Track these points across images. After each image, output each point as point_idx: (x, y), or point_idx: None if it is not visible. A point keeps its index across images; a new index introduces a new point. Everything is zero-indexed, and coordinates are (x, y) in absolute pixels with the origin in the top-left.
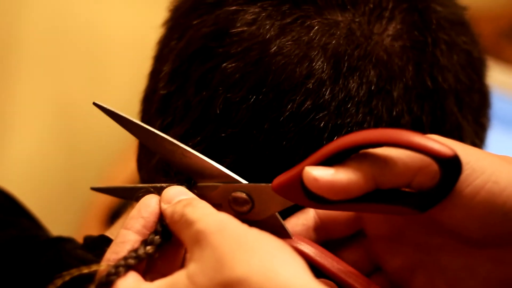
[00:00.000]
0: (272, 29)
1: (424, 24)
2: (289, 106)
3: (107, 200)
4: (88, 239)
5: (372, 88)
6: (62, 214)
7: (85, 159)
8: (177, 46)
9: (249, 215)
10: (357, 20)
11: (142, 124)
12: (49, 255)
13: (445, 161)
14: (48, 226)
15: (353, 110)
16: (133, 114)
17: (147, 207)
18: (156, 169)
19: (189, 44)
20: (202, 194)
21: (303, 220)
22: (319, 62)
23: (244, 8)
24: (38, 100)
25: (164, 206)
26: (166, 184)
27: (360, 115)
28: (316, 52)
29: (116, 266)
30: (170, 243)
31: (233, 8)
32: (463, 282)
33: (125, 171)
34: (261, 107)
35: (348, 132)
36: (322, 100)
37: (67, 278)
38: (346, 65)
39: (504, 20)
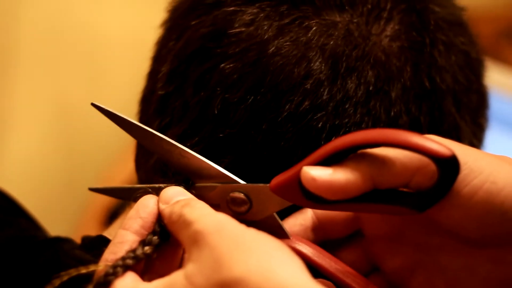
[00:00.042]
0: (270, 29)
1: (422, 24)
2: (287, 107)
3: (105, 201)
4: (86, 240)
5: (370, 88)
6: (60, 215)
7: (83, 160)
8: (175, 47)
9: (247, 215)
10: (355, 20)
11: (140, 124)
12: (47, 255)
13: (443, 161)
14: (47, 226)
15: (351, 111)
16: (131, 114)
17: (145, 208)
18: (154, 169)
19: (187, 45)
20: (200, 195)
21: (301, 220)
22: (317, 63)
23: (242, 8)
24: (37, 100)
25: (162, 206)
26: (164, 185)
27: (358, 116)
28: (314, 52)
29: (114, 266)
30: (168, 244)
31: (231, 8)
32: (462, 282)
33: (123, 172)
34: (259, 107)
35: (346, 132)
36: (320, 101)
37: (65, 278)
38: (344, 65)
39: (502, 21)
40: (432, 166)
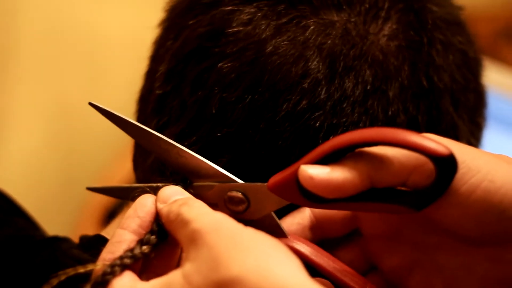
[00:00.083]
0: (267, 29)
1: (420, 24)
2: (285, 106)
3: (103, 200)
4: (84, 239)
5: (368, 87)
6: (58, 214)
7: (81, 159)
8: (173, 46)
9: (244, 214)
10: (352, 20)
11: (138, 123)
12: (45, 255)
13: (440, 160)
14: (44, 226)
15: (349, 110)
16: (129, 114)
17: (143, 207)
18: (152, 168)
19: (185, 44)
20: (198, 194)
21: (299, 219)
22: (315, 62)
23: (240, 8)
24: (35, 99)
25: (160, 205)
26: (162, 184)
27: (356, 115)
28: (312, 52)
29: (112, 266)
30: (166, 243)
31: (229, 8)
32: (460, 281)
33: (121, 171)
34: (256, 106)
35: (344, 131)
36: (317, 100)
37: (62, 277)
38: (341, 64)
39: (500, 20)
40: (429, 164)
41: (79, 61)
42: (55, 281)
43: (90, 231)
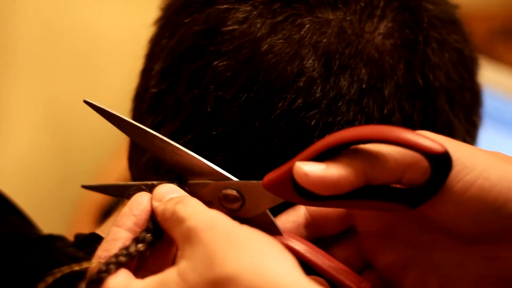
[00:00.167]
0: (263, 27)
1: (415, 22)
2: (280, 104)
3: (99, 198)
4: (79, 237)
5: (363, 86)
6: (53, 212)
7: (77, 157)
8: (169, 45)
9: (239, 212)
10: (348, 18)
11: (133, 121)
12: (40, 253)
13: (435, 157)
14: (40, 224)
15: (344, 108)
16: (125, 112)
17: (139, 205)
18: (147, 167)
19: (180, 42)
20: (193, 192)
21: (294, 217)
22: (310, 61)
23: (235, 6)
24: (30, 97)
25: (155, 204)
26: (157, 182)
27: (351, 113)
28: (307, 50)
29: (107, 264)
30: (162, 241)
31: (224, 6)
32: (455, 279)
33: (117, 169)
34: (252, 105)
35: (339, 130)
36: (313, 98)
37: (58, 275)
38: (337, 63)
39: (497, 19)
40: (424, 162)
41: (74, 59)
42: (50, 279)
43: (86, 229)
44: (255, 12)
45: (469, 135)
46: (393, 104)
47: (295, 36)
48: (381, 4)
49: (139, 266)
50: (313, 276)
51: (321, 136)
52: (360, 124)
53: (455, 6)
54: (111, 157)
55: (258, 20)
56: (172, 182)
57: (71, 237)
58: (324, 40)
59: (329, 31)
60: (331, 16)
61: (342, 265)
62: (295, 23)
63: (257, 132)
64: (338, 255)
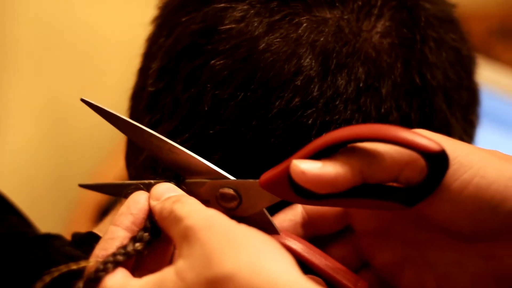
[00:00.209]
0: (260, 26)
1: (413, 21)
2: (277, 103)
3: (96, 197)
4: (76, 236)
5: (361, 85)
6: (51, 211)
7: (74, 156)
8: (166, 43)
9: (237, 211)
10: (345, 17)
11: (129, 120)
12: (38, 252)
13: (432, 156)
14: (37, 223)
15: (341, 107)
16: (122, 111)
17: (136, 204)
18: (144, 166)
19: (178, 41)
20: (190, 191)
21: (291, 216)
22: (308, 59)
23: (233, 5)
24: (28, 97)
25: (153, 203)
26: (155, 181)
27: (349, 112)
28: (305, 49)
29: (105, 263)
30: (159, 240)
31: (222, 5)
32: (452, 277)
33: (115, 168)
34: (249, 104)
35: (336, 129)
36: (310, 97)
37: (55, 274)
38: (334, 62)
39: (495, 19)
40: (421, 160)
41: (72, 58)
42: (48, 278)
43: (83, 228)
44: (252, 11)
45: (466, 134)
46: (391, 103)
47: (292, 35)
48: (379, 3)
49: (137, 265)
50: (311, 275)
51: (318, 135)
52: (358, 123)
53: (453, 5)
54: (109, 156)
55: (255, 19)
56: (169, 181)
57: (68, 236)
58: (322, 39)
59: (327, 30)
60: (328, 15)
61: (339, 264)
62: (292, 22)
63: (254, 131)
64: (335, 254)
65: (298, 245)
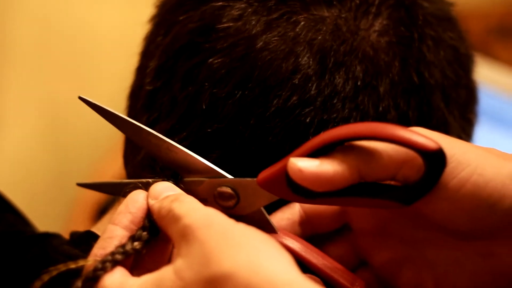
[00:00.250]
0: (258, 24)
1: (411, 20)
2: (275, 102)
3: (95, 196)
4: (75, 235)
5: (358, 83)
6: (49, 210)
7: (73, 154)
8: (163, 42)
9: (234, 210)
10: (343, 15)
11: (127, 118)
12: (36, 251)
13: (429, 155)
14: (36, 222)
15: (339, 106)
16: (120, 110)
17: (135, 203)
18: (142, 164)
19: (175, 40)
20: (188, 189)
21: (289, 214)
22: (305, 58)
23: (230, 3)
24: (26, 95)
25: (151, 201)
26: (153, 180)
27: (346, 111)
28: (302, 47)
29: (103, 262)
30: (158, 239)
31: (219, 4)
32: (450, 276)
33: (113, 167)
34: (247, 102)
35: (334, 127)
36: (308, 96)
37: (54, 273)
38: (332, 60)
39: (493, 17)
40: (419, 159)
41: (70, 56)
42: (46, 277)
43: (82, 227)
44: (250, 10)
45: (464, 133)
46: (388, 101)
47: (290, 34)
48: (376, 2)
49: (135, 264)
50: (309, 275)
51: (316, 133)
52: (355, 121)
53: (451, 4)
54: (107, 155)
55: (253, 18)
56: (168, 180)
57: (67, 235)
58: (319, 38)
59: (324, 28)
60: (326, 14)
61: (336, 264)
62: (290, 20)
63: (252, 129)
64: (333, 252)
65: (295, 244)
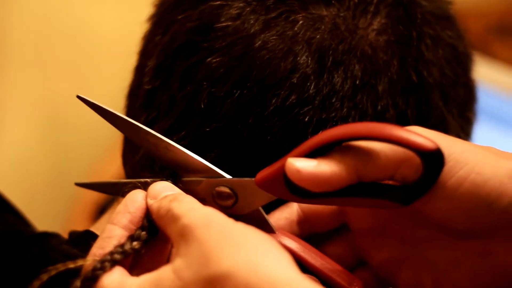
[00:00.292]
0: (256, 23)
1: (409, 18)
2: (274, 101)
3: (94, 196)
4: (73, 234)
5: (357, 82)
6: (48, 210)
7: (72, 154)
8: (162, 41)
9: (233, 209)
10: (341, 14)
11: (126, 117)
12: (35, 251)
13: (427, 155)
14: (35, 221)
15: (338, 105)
16: (119, 109)
17: (134, 202)
18: (141, 164)
19: (174, 39)
20: (187, 189)
21: (287, 214)
22: (304, 57)
23: (229, 3)
24: (26, 95)
25: (150, 201)
26: (151, 180)
27: (345, 110)
28: (301, 46)
29: (102, 261)
30: (157, 239)
31: (218, 3)
32: (449, 275)
33: (113, 166)
34: (245, 101)
35: (333, 126)
36: (306, 95)
37: (53, 273)
38: (330, 59)
39: (492, 16)
40: (417, 158)
41: (68, 56)
42: (45, 277)
43: (81, 226)
44: (248, 9)
45: (463, 131)
46: (387, 100)
47: (288, 33)
48: (375, 0)
49: (134, 264)
50: (307, 274)
51: (315, 132)
52: (354, 120)
53: (449, 2)
54: (107, 154)
55: (252, 17)
56: (166, 180)
57: (66, 235)
58: (318, 37)
59: (323, 27)
60: (324, 12)
61: (334, 264)
62: (288, 19)
63: (251, 129)
64: (331, 252)
65: (293, 244)
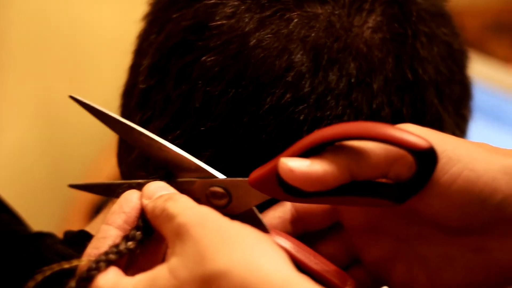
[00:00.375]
0: (251, 22)
1: (404, 16)
2: (269, 99)
3: (90, 196)
4: (68, 234)
5: (352, 80)
6: (44, 210)
7: (68, 154)
8: (157, 40)
9: (227, 209)
10: (336, 12)
11: (119, 117)
12: (30, 250)
13: (420, 153)
14: (31, 221)
15: (333, 103)
16: (114, 108)
17: (129, 202)
18: (136, 164)
19: (169, 38)
20: (181, 189)
21: (280, 212)
22: (299, 55)
23: (223, 1)
24: (21, 95)
25: (145, 201)
26: (145, 181)
27: (340, 108)
28: (296, 45)
29: (97, 261)
30: (152, 239)
31: (212, 1)
32: (442, 271)
33: (108, 166)
34: (240, 100)
35: (328, 125)
36: (301, 93)
37: (48, 273)
38: (325, 57)
39: (489, 14)
40: (410, 157)
41: (64, 55)
42: (39, 277)
43: (77, 226)
44: (243, 7)
45: (458, 129)
46: (382, 98)
47: (283, 31)
48: None
49: (129, 264)
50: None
51: (310, 131)
52: (349, 118)
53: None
54: (103, 154)
55: (246, 15)
56: (161, 180)
57: (62, 235)
58: (313, 35)
59: (318, 25)
60: (319, 10)
61: (328, 263)
62: (283, 17)
63: (246, 128)
64: (325, 250)
65: (287, 243)
